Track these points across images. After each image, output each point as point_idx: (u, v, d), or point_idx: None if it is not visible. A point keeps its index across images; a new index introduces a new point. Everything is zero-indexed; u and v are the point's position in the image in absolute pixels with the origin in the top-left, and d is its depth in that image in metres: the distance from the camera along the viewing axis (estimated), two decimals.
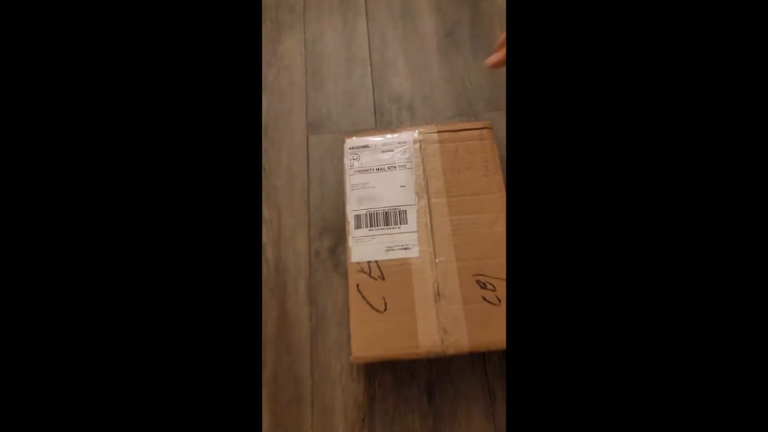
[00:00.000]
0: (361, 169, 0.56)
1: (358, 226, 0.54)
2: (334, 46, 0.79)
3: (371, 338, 0.49)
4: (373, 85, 0.75)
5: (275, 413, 0.59)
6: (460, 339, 0.48)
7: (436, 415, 0.57)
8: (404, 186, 0.55)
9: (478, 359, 0.58)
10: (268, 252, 0.66)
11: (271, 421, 0.59)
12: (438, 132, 0.58)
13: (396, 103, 0.74)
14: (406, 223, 0.53)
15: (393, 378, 0.59)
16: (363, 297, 0.50)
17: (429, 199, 0.54)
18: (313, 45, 0.79)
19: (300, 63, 0.79)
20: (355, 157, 0.57)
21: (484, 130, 0.57)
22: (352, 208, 0.55)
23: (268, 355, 0.61)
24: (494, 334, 0.48)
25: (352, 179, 0.56)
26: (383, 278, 0.51)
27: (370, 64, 0.77)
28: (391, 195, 0.55)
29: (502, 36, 0.48)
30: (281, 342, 0.62)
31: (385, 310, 0.50)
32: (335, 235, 0.66)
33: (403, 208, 0.54)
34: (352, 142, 0.58)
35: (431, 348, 0.48)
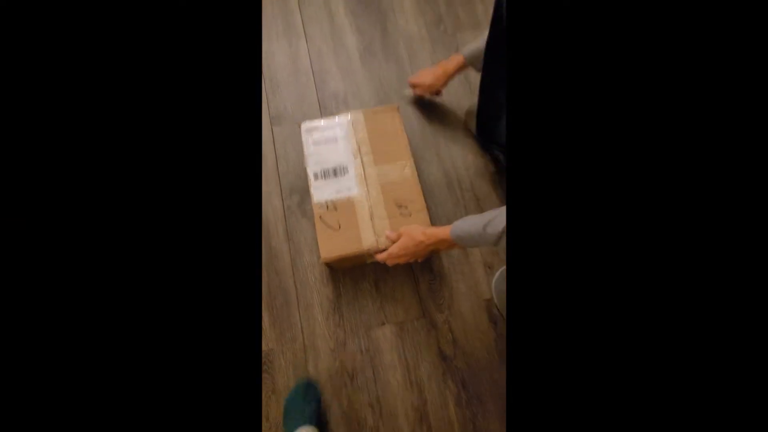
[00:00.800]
0: (314, 142, 0.83)
1: (316, 179, 0.81)
2: (284, 61, 1.06)
3: (332, 246, 0.76)
4: (316, 87, 1.03)
5: (272, 314, 0.85)
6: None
7: (382, 298, 0.86)
8: (345, 152, 0.83)
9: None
10: None
11: (269, 320, 0.85)
12: (363, 113, 0.86)
13: (334, 99, 1.02)
14: (348, 173, 0.81)
15: (351, 280, 0.87)
16: (324, 222, 0.78)
17: (361, 157, 0.82)
18: (268, 61, 1.06)
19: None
20: (309, 135, 0.84)
21: (394, 112, 0.87)
22: (312, 169, 0.81)
23: (263, 277, 0.87)
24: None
25: (308, 149, 0.83)
26: (336, 209, 0.79)
27: (312, 73, 1.05)
28: (336, 157, 0.82)
29: (410, 80, 0.82)
30: (271, 267, 0.88)
31: (340, 228, 0.78)
32: (300, 193, 0.93)
33: (345, 165, 0.82)
34: (306, 125, 0.85)
35: (371, 246, 0.77)
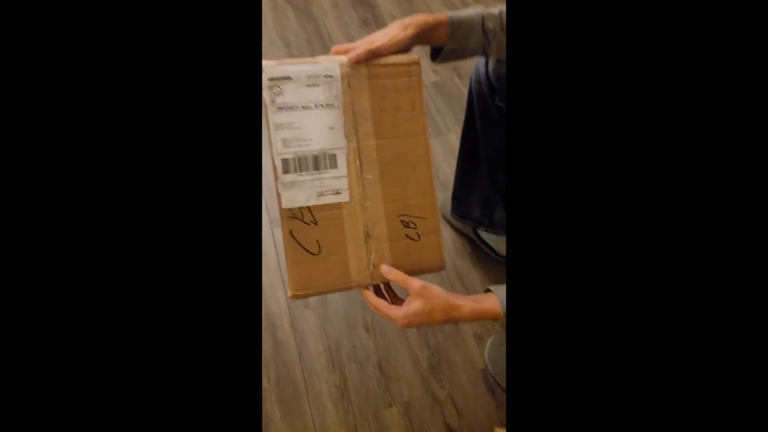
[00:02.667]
0: (284, 106, 0.49)
1: (286, 171, 0.50)
2: None
3: (307, 278, 0.51)
4: None
5: (283, 406, 0.87)
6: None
7: (386, 379, 0.91)
8: (333, 128, 0.51)
9: None
10: None
11: (280, 412, 0.87)
12: (367, 65, 0.52)
13: None
14: (337, 167, 0.51)
15: (356, 363, 0.92)
16: (297, 242, 0.50)
17: (358, 143, 0.51)
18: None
19: None
20: (277, 92, 0.49)
21: (413, 66, 0.54)
22: (278, 151, 0.49)
23: (271, 370, 0.91)
24: (412, 264, 0.55)
25: (275, 117, 0.49)
26: (316, 223, 0.50)
27: None
28: (319, 137, 0.50)
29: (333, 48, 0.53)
30: (279, 359, 0.92)
31: (320, 252, 0.51)
32: None
33: (332, 152, 0.51)
34: (271, 71, 0.48)
35: (361, 281, 0.53)
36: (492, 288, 0.55)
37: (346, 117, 0.51)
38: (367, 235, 0.53)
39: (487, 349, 0.94)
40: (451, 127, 1.28)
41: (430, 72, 1.38)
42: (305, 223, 0.51)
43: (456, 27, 0.58)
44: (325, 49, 1.41)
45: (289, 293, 0.52)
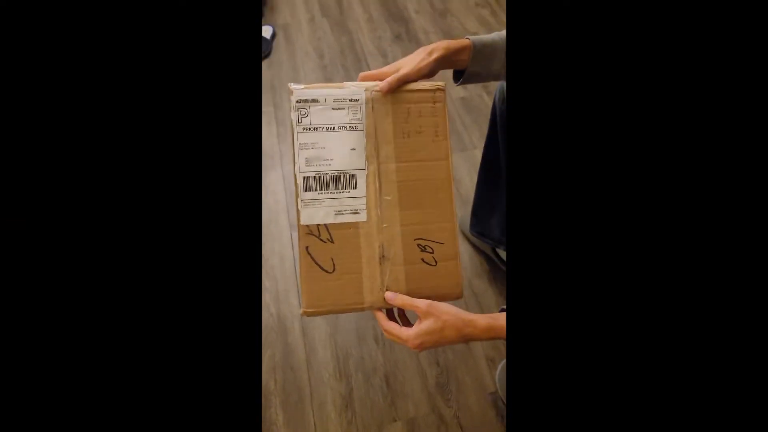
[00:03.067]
0: (310, 126, 0.52)
1: (307, 189, 0.52)
2: None
3: (320, 295, 0.52)
4: None
5: (287, 412, 0.88)
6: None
7: (393, 394, 0.90)
8: (355, 149, 0.53)
9: None
10: None
11: (284, 418, 0.87)
12: (390, 96, 0.54)
13: None
14: (356, 187, 0.53)
15: (363, 375, 0.92)
16: (312, 258, 0.52)
17: (379, 165, 0.53)
18: (287, 177, 1.22)
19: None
20: (303, 113, 0.52)
21: (438, 93, 0.55)
22: (301, 169, 0.52)
23: (279, 374, 0.91)
24: (428, 291, 0.53)
25: (300, 137, 0.52)
26: (332, 241, 0.52)
27: None
28: (341, 157, 0.52)
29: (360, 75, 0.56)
30: (287, 364, 0.93)
31: (334, 270, 0.52)
32: None
33: (353, 173, 0.53)
34: (300, 93, 0.52)
35: (374, 303, 0.53)
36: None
37: (368, 139, 0.53)
38: (383, 257, 0.53)
39: (498, 372, 0.91)
40: (477, 142, 1.27)
41: (459, 88, 1.38)
42: (321, 240, 0.52)
43: (479, 51, 0.60)
44: (357, 62, 1.44)
45: (301, 310, 0.53)
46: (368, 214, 0.53)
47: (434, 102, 0.55)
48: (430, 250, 0.54)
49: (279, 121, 1.34)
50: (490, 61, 0.60)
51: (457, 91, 1.36)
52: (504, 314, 0.53)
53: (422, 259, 0.53)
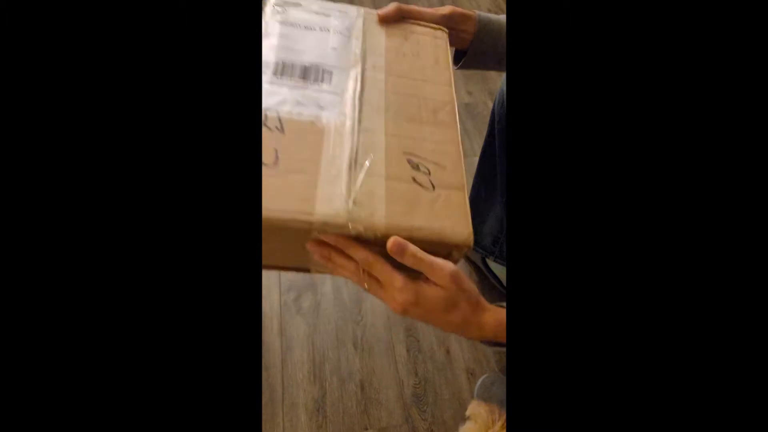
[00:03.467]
0: (285, 22, 0.44)
1: (274, 72, 0.42)
2: None
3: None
4: None
5: None
6: (375, 215, 0.36)
7: (366, 401, 0.87)
8: (336, 48, 0.44)
9: None
10: None
11: None
12: (386, 28, 0.47)
13: None
14: (329, 83, 0.42)
15: (338, 379, 0.89)
16: None
17: (364, 71, 0.43)
18: None
19: None
20: (279, 10, 0.45)
21: (439, 31, 0.49)
22: (271, 54, 0.43)
23: None
24: (420, 219, 0.37)
25: (267, 27, 0.44)
26: (281, 130, 0.39)
27: None
28: (318, 52, 0.44)
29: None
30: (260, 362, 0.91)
31: (276, 164, 0.37)
32: (298, 290, 1.00)
33: (329, 69, 0.43)
34: None
35: (331, 218, 0.36)
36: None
37: (354, 45, 0.44)
38: (354, 162, 0.38)
39: (477, 386, 0.88)
40: (479, 150, 1.24)
41: (464, 93, 1.35)
42: (267, 126, 0.39)
43: (485, 24, 0.55)
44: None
45: None
46: (341, 112, 0.41)
47: (435, 38, 0.48)
48: (426, 171, 0.39)
49: None
50: (496, 39, 0.55)
51: (462, 97, 1.34)
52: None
53: (413, 178, 0.38)
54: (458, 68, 0.59)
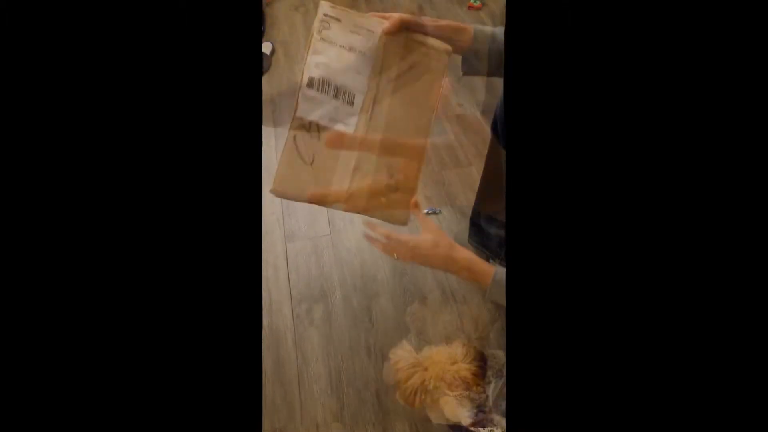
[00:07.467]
0: (328, 39, 0.56)
1: (310, 86, 0.55)
2: None
3: (291, 182, 0.56)
4: (327, 209, 1.18)
5: (274, 429, 0.85)
6: (358, 204, 0.58)
7: (384, 413, 0.88)
8: (360, 73, 0.57)
9: None
10: None
11: None
12: (405, 39, 0.58)
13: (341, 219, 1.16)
14: (353, 104, 0.56)
15: (354, 390, 0.90)
16: (296, 147, 0.56)
17: (378, 87, 0.57)
18: None
19: None
20: (326, 26, 0.56)
21: (443, 55, 0.58)
22: (309, 69, 0.55)
23: (269, 389, 0.89)
24: (388, 207, 0.59)
25: (317, 45, 0.56)
26: (319, 138, 0.55)
27: None
28: (345, 73, 0.56)
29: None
30: (276, 379, 0.91)
31: (312, 163, 0.56)
32: (309, 302, 1.00)
33: (352, 90, 0.56)
34: (326, 9, 0.56)
35: (337, 198, 0.57)
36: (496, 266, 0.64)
37: (373, 63, 0.57)
38: (357, 168, 0.57)
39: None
40: (471, 159, 1.29)
41: (455, 105, 1.41)
42: (310, 134, 0.56)
43: (481, 32, 0.64)
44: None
45: (272, 187, 0.57)
46: (356, 130, 0.56)
47: (438, 63, 0.58)
48: (393, 180, 0.58)
49: (278, 135, 1.35)
50: (495, 41, 0.64)
51: (453, 109, 1.39)
52: (488, 264, 0.64)
53: (385, 185, 0.58)
54: (465, 74, 0.67)
